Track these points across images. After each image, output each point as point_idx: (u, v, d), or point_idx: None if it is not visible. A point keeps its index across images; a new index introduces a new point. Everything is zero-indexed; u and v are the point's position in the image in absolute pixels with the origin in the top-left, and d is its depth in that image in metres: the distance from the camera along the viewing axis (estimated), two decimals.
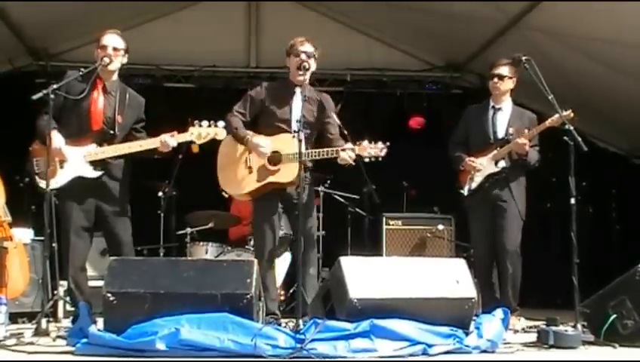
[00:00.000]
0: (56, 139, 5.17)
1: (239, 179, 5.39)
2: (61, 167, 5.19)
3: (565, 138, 5.25)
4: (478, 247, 6.11)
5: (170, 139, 5.12)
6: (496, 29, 7.73)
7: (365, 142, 5.09)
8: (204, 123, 5.12)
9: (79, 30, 8.43)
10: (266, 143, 5.28)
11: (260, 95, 5.48)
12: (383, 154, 5.10)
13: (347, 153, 5.09)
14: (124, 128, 5.27)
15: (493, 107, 6.06)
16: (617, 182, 8.91)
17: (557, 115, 5.44)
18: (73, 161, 5.18)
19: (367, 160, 5.11)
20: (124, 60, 5.38)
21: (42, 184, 5.16)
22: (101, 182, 5.22)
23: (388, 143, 5.10)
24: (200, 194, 7.85)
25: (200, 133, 5.10)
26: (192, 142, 5.22)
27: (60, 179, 5.19)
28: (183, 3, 8.81)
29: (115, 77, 5.38)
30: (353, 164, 5.22)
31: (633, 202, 8.64)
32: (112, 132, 5.22)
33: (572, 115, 5.44)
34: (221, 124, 5.15)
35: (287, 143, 5.22)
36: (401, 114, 9.29)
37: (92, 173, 5.18)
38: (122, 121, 5.26)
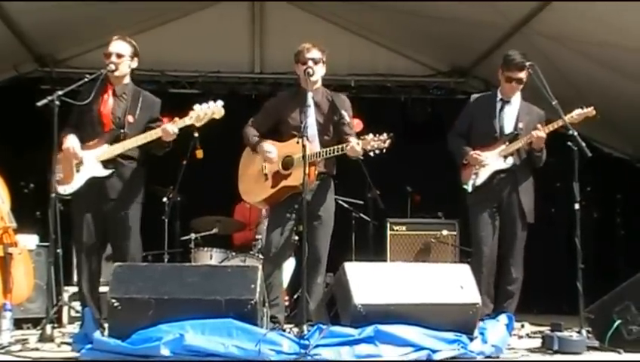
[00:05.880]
0: (70, 140, 5.25)
1: (256, 187, 5.46)
2: (77, 171, 5.24)
3: (569, 143, 5.21)
4: (479, 249, 5.78)
5: (172, 126, 5.11)
6: (500, 34, 7.73)
7: (370, 136, 5.07)
8: (203, 105, 5.09)
9: (84, 37, 8.47)
10: (272, 149, 5.33)
11: (274, 105, 5.56)
12: (386, 145, 5.02)
13: (354, 145, 5.08)
14: (136, 128, 5.26)
15: (501, 100, 5.80)
16: (622, 187, 8.89)
17: (578, 111, 5.35)
18: (87, 163, 5.23)
19: (371, 153, 5.08)
20: (134, 64, 5.41)
21: (60, 190, 5.24)
22: (111, 182, 5.23)
23: (391, 134, 5.05)
24: (204, 199, 7.88)
25: (198, 114, 5.08)
26: (192, 126, 5.20)
27: (76, 183, 5.24)
28: (187, 9, 8.84)
29: (125, 81, 5.41)
30: (362, 158, 5.21)
31: (638, 207, 8.61)
32: (122, 131, 5.24)
33: (594, 112, 5.36)
34: (220, 103, 5.09)
35: (300, 147, 5.21)
36: (405, 119, 9.30)
37: (103, 172, 5.20)
38: (133, 121, 5.28)
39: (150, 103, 5.41)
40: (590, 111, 5.39)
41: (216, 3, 8.98)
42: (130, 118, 5.27)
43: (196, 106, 5.09)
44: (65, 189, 5.25)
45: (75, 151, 5.22)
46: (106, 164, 5.20)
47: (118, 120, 5.28)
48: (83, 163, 5.23)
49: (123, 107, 5.32)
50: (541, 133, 5.51)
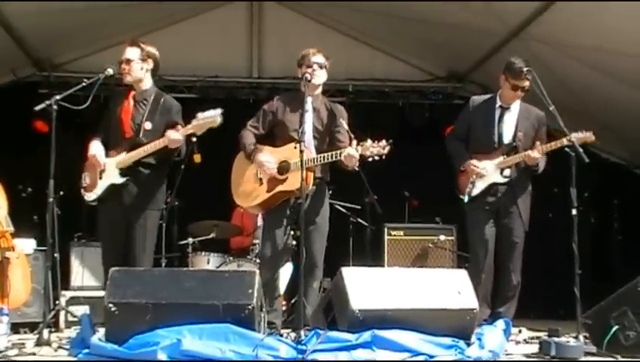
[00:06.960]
0: (93, 147, 5.32)
1: (251, 192, 5.43)
2: (100, 178, 5.30)
3: (567, 149, 5.23)
4: (477, 254, 5.78)
5: (175, 134, 5.10)
6: (497, 39, 7.74)
7: (368, 142, 5.04)
8: (201, 114, 5.06)
9: (81, 41, 8.48)
10: (270, 159, 5.32)
11: (272, 108, 5.53)
12: (385, 151, 4.98)
13: (351, 152, 5.07)
14: (153, 134, 5.24)
15: (500, 106, 5.75)
16: (619, 192, 8.90)
17: (577, 135, 5.28)
18: (108, 170, 5.28)
19: (370, 159, 5.06)
20: (148, 66, 5.38)
21: (87, 197, 5.35)
22: (128, 190, 5.26)
23: (390, 140, 5.01)
24: (202, 204, 7.87)
25: (199, 123, 5.05)
26: (193, 134, 5.26)
27: (98, 189, 5.32)
28: (186, 13, 8.84)
29: (144, 86, 5.39)
30: (357, 167, 5.20)
31: (635, 212, 8.63)
32: (138, 139, 5.25)
33: (593, 137, 5.33)
34: (218, 110, 5.03)
35: (296, 152, 5.20)
36: (403, 124, 9.31)
37: (119, 180, 5.25)
38: (150, 128, 5.27)
39: (168, 108, 5.37)
40: (589, 136, 5.34)
41: (214, 8, 8.99)
42: (147, 125, 5.27)
43: (199, 114, 5.07)
44: (90, 196, 5.34)
45: (97, 159, 5.28)
46: (123, 171, 5.23)
47: (137, 126, 5.30)
48: (105, 170, 5.28)
49: (141, 113, 5.32)
50: (535, 154, 5.49)
